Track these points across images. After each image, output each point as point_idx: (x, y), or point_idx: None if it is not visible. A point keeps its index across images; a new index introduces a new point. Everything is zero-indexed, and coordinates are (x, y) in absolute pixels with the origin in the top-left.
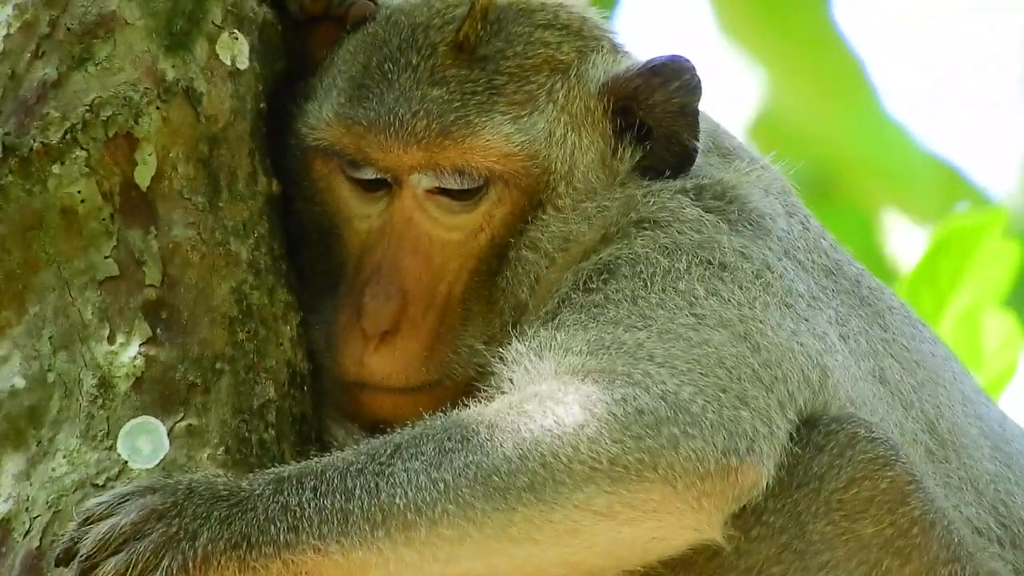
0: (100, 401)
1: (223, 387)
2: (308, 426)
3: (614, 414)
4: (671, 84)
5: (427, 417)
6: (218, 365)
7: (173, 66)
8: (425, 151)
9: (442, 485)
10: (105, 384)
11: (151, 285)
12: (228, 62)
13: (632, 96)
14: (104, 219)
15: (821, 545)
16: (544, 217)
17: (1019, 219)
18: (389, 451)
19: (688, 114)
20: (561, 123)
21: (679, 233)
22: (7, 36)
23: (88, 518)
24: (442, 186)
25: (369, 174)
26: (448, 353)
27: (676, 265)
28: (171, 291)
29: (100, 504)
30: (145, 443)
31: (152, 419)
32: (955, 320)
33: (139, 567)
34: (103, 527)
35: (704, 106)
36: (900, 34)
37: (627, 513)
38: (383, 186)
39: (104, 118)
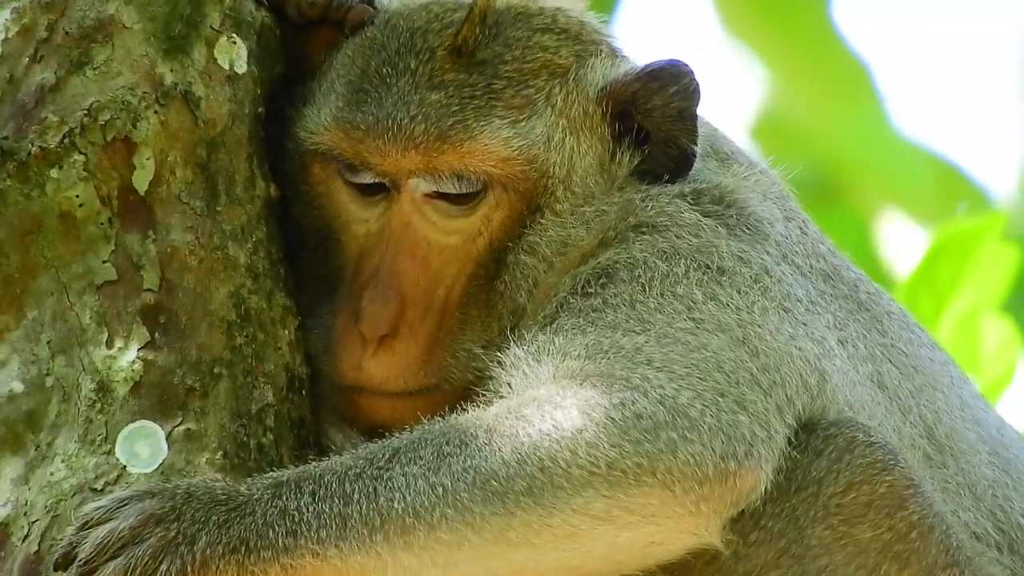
0: (98, 405)
1: (221, 391)
2: (306, 430)
3: (612, 418)
4: (669, 88)
5: (425, 421)
6: (216, 369)
7: (171, 70)
8: (423, 155)
9: (440, 489)
10: (103, 388)
11: (149, 289)
12: (226, 66)
13: (630, 100)
14: (102, 223)
15: (819, 549)
16: (542, 221)
17: (1018, 222)
18: (387, 455)
19: (686, 118)
20: (559, 127)
21: (677, 237)
22: (5, 40)
23: (87, 522)
24: (440, 190)
25: (367, 178)
26: (446, 357)
27: (674, 269)
28: (169, 295)
29: (98, 508)
30: (143, 447)
31: (150, 423)
32: (953, 324)
33: (138, 571)
34: (102, 531)
35: (703, 109)
36: (900, 34)
37: (625, 517)
38: (381, 190)
39: (102, 122)
